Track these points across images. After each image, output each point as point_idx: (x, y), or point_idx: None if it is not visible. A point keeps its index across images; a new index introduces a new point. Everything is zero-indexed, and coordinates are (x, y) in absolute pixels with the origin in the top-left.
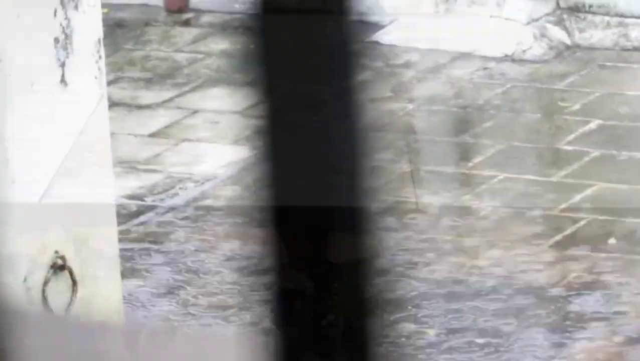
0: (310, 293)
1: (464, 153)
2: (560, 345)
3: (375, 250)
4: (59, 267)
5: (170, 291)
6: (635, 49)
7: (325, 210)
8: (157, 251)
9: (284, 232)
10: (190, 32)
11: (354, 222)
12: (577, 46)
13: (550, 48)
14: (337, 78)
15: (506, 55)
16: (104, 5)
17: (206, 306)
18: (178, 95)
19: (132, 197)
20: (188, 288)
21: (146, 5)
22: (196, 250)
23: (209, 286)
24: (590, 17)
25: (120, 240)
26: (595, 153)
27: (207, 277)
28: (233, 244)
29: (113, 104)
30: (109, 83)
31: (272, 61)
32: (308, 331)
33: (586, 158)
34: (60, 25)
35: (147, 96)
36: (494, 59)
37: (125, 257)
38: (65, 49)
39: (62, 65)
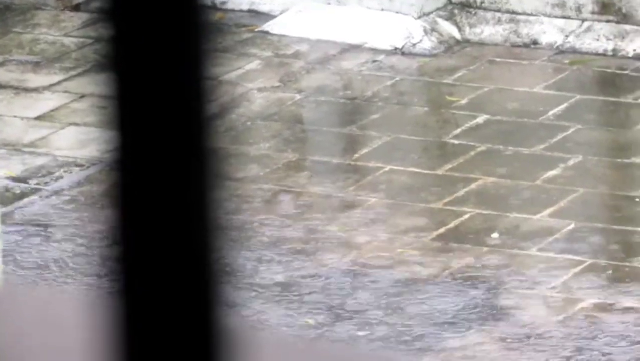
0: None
1: (351, 145)
2: (437, 340)
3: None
4: None
5: (44, 266)
6: (525, 45)
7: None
8: (38, 234)
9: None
10: (80, 17)
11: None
12: (467, 41)
13: (440, 42)
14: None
15: (396, 48)
16: None
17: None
18: (66, 79)
19: (15, 179)
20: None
21: None
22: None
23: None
24: (481, 12)
25: (2, 222)
26: (481, 147)
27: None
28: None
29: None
30: None
31: (129, 45)
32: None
33: (472, 153)
34: None
35: (35, 79)
36: (383, 51)
37: (7, 238)
38: None
39: None
